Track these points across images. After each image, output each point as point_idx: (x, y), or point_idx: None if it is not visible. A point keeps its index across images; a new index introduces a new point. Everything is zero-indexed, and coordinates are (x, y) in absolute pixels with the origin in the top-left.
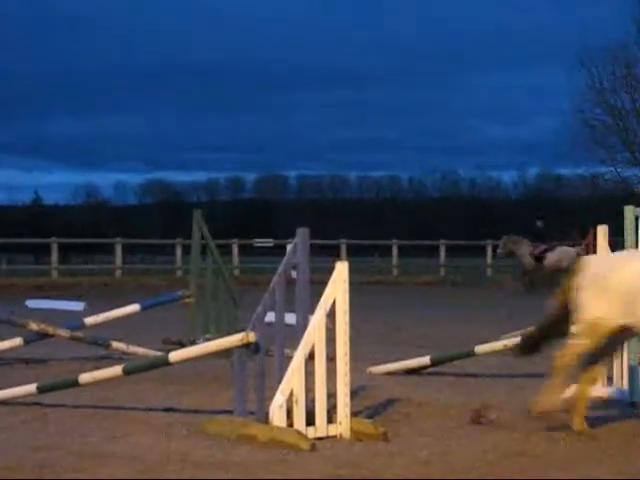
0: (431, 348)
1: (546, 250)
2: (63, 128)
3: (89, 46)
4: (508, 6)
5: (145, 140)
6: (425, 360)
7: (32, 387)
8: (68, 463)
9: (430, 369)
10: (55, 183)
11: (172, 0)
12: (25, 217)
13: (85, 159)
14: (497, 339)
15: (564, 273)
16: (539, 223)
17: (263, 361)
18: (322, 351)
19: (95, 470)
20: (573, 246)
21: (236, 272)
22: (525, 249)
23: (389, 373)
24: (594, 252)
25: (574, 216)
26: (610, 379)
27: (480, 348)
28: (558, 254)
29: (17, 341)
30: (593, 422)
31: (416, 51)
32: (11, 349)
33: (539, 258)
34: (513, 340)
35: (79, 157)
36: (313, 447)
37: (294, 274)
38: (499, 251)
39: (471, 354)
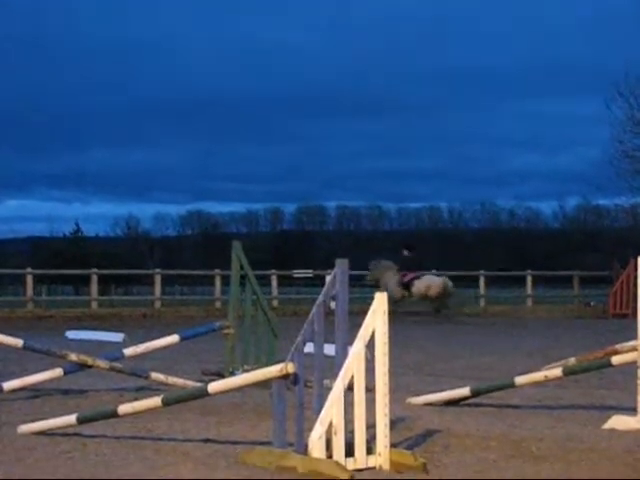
0: (470, 379)
1: (414, 278)
2: (103, 160)
3: (127, 79)
4: (545, 34)
5: (184, 171)
6: (465, 391)
7: (72, 418)
8: None
9: (470, 400)
10: (95, 214)
11: (206, 33)
12: (66, 248)
13: (125, 190)
14: (538, 370)
15: (432, 301)
16: (406, 252)
17: (302, 392)
18: (361, 382)
19: None
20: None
21: (275, 303)
22: (392, 277)
23: (428, 404)
24: (635, 283)
25: (614, 246)
26: None
27: (520, 379)
28: (426, 282)
29: (57, 372)
30: None
31: (454, 80)
32: (51, 380)
33: (407, 286)
34: (554, 371)
35: (119, 189)
36: (352, 478)
37: (333, 305)
38: (367, 278)
39: (511, 385)
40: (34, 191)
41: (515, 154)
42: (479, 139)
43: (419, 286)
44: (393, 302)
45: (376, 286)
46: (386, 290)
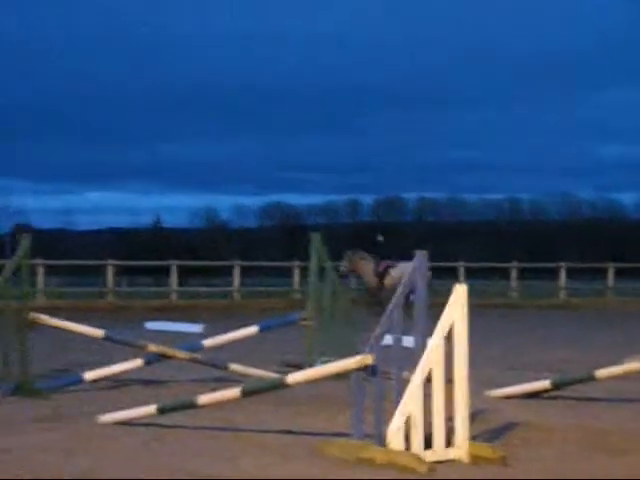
0: (551, 372)
1: (389, 267)
2: (182, 151)
3: (207, 70)
4: (624, 21)
5: (264, 163)
6: (545, 384)
7: (151, 408)
8: None
9: (550, 393)
10: (174, 206)
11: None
12: (146, 239)
13: (204, 182)
14: (618, 363)
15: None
16: (380, 238)
17: (381, 384)
18: (440, 374)
19: None
20: None
21: (353, 294)
22: (368, 267)
23: (508, 397)
24: None
25: None
26: None
27: (601, 372)
28: (400, 270)
29: (137, 362)
30: None
31: (533, 70)
32: (131, 370)
33: (382, 275)
34: (634, 365)
35: (198, 180)
36: (431, 470)
37: (412, 297)
38: (342, 268)
39: (592, 378)
40: (114, 183)
41: (597, 145)
42: (560, 130)
43: (394, 275)
44: (370, 292)
45: (344, 277)
46: (364, 280)
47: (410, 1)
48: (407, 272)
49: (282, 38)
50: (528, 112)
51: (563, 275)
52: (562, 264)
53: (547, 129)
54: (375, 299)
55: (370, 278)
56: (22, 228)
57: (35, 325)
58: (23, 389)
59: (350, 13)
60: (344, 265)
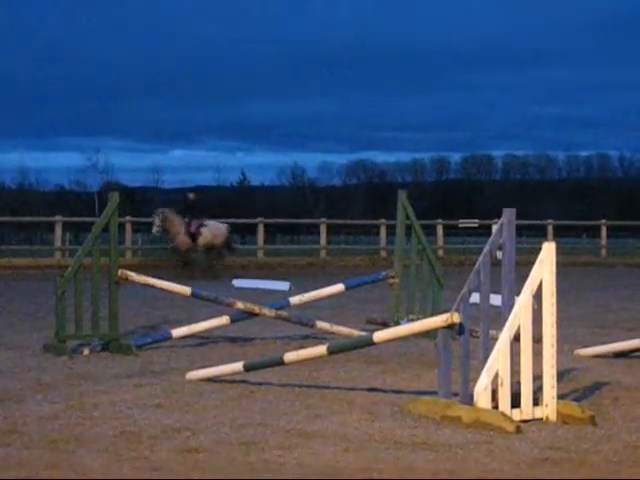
0: None
1: (200, 226)
2: (266, 110)
3: (291, 32)
4: None
5: (349, 120)
6: (635, 342)
7: (239, 365)
8: (274, 441)
9: None
10: (260, 164)
11: None
12: (232, 197)
13: (289, 140)
14: None
15: (217, 250)
16: (191, 196)
17: (468, 342)
18: (528, 332)
19: (300, 448)
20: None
21: (440, 253)
22: (180, 226)
23: (597, 356)
24: None
25: None
26: None
27: None
28: (211, 230)
29: (224, 320)
30: None
31: (620, 28)
32: (218, 327)
33: (194, 235)
34: None
35: (283, 138)
36: (518, 429)
37: (499, 255)
38: (155, 229)
39: None
40: (199, 141)
41: None
42: None
43: (206, 234)
44: (182, 252)
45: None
46: (174, 240)
47: None
48: (219, 232)
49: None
50: (616, 68)
51: None
52: None
53: (636, 85)
54: (185, 258)
55: (182, 238)
56: (111, 186)
57: (124, 282)
58: (112, 345)
59: None
60: (157, 224)
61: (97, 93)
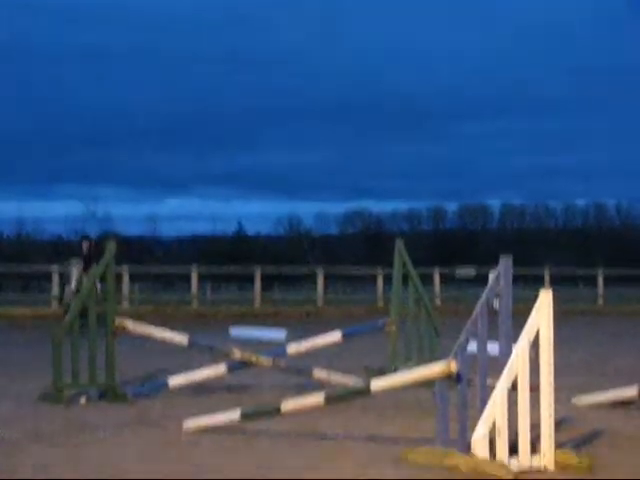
0: (639, 379)
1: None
2: (262, 159)
3: (288, 81)
4: None
5: (345, 169)
6: (633, 392)
7: (235, 414)
8: None
9: (638, 402)
10: (256, 213)
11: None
12: (229, 247)
13: (285, 189)
14: None
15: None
16: (85, 243)
17: (465, 391)
18: (525, 381)
19: None
20: None
21: (437, 301)
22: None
23: (595, 404)
24: None
25: None
26: None
27: None
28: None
29: (221, 368)
30: None
31: (611, 75)
32: (215, 376)
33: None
34: None
35: (279, 187)
36: (516, 478)
37: (496, 303)
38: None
39: None
40: (194, 190)
41: None
42: None
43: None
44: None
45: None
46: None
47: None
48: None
49: (362, 52)
50: (609, 116)
51: None
52: None
53: (631, 132)
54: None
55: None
56: (108, 235)
57: (121, 331)
58: (109, 394)
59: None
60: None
61: (91, 141)
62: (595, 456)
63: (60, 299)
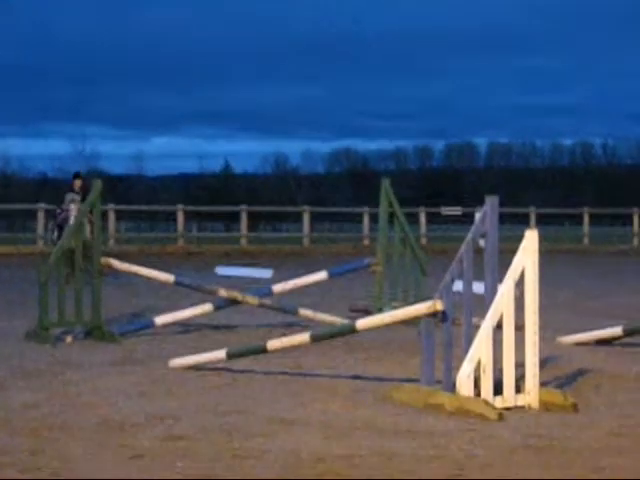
0: (623, 318)
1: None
2: (249, 97)
3: (274, 15)
4: None
5: (332, 108)
6: (617, 330)
7: (222, 353)
8: (256, 428)
9: (622, 340)
10: (243, 151)
11: None
12: (216, 185)
13: (272, 127)
14: None
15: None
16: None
17: (450, 330)
18: (511, 320)
19: (283, 435)
20: None
21: (423, 240)
22: None
23: (579, 343)
24: None
25: None
26: None
27: None
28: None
29: (207, 307)
30: None
31: (603, 15)
32: (201, 315)
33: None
34: None
35: (266, 125)
36: (500, 417)
37: (482, 242)
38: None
39: None
40: (180, 128)
41: None
42: (633, 73)
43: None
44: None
45: None
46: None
47: None
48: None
49: None
50: (600, 56)
51: (636, 221)
52: (635, 209)
53: (620, 72)
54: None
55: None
56: (94, 173)
57: (107, 270)
58: (95, 333)
59: None
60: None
61: (77, 80)
62: (579, 395)
63: (57, 239)
